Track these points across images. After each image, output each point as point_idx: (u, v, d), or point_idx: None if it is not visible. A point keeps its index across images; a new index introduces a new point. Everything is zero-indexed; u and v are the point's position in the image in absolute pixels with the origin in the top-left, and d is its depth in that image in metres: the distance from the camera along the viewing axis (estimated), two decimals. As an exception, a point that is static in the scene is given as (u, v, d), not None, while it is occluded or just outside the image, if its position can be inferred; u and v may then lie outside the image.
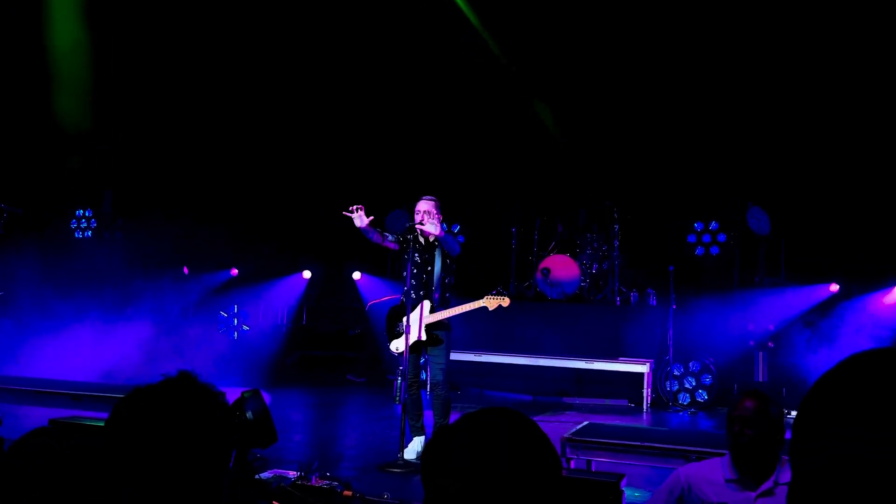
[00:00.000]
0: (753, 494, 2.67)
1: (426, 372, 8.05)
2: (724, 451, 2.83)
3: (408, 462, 5.04)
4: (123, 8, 8.98)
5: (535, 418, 1.27)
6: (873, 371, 0.87)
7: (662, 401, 8.04)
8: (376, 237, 5.31)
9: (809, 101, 8.97)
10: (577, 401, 8.34)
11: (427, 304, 5.27)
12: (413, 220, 5.35)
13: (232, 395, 1.61)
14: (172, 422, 1.27)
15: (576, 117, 10.31)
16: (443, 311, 5.27)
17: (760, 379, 8.11)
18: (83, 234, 11.35)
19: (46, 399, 6.02)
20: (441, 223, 5.31)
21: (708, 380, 7.98)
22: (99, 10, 8.85)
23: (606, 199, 9.61)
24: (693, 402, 7.96)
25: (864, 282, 8.39)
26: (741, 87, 9.27)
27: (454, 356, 5.89)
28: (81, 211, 11.41)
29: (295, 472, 4.08)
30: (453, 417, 5.28)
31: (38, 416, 5.11)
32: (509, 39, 9.67)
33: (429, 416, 5.47)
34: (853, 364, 0.90)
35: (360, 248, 10.14)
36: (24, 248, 9.32)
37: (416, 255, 5.35)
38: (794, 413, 6.56)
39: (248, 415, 2.47)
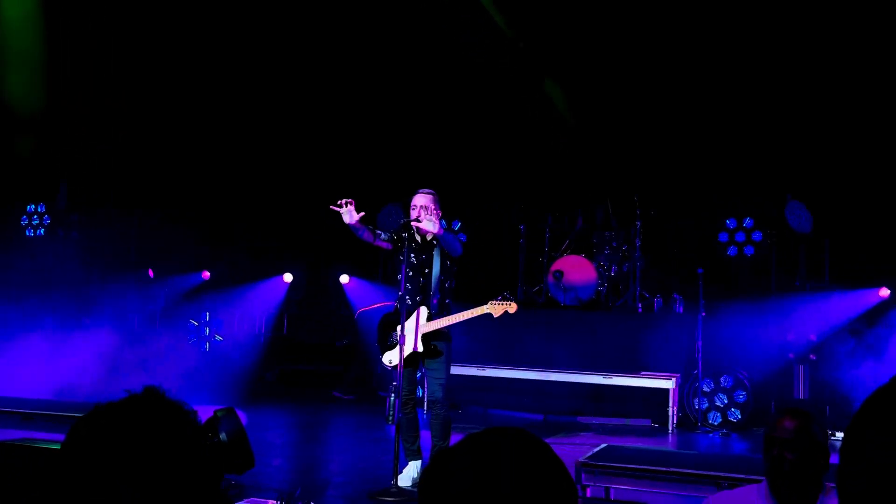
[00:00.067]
0: (794, 526, 2.66)
1: (423, 388, 8.04)
2: (760, 478, 2.82)
3: (402, 490, 5.04)
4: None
5: (546, 440, 1.27)
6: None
7: (690, 420, 8.04)
8: (367, 235, 5.31)
9: (855, 84, 8.98)
10: (594, 421, 8.34)
11: (424, 310, 5.27)
12: (408, 216, 5.35)
13: (204, 413, 1.61)
14: (138, 444, 1.27)
15: (591, 100, 10.33)
16: (442, 319, 5.27)
17: (801, 396, 8.11)
18: (35, 232, 11.35)
19: (-8, 419, 6.02)
20: (440, 220, 5.32)
21: (742, 397, 7.99)
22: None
23: (626, 192, 9.62)
24: (725, 422, 7.96)
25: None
26: (779, 65, 9.28)
27: (455, 370, 5.88)
28: (33, 206, 11.40)
29: (275, 502, 4.08)
30: (454, 439, 5.28)
31: (-17, 438, 5.10)
32: (518, 11, 9.68)
33: (426, 438, 5.47)
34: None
35: (349, 248, 10.16)
36: (-33, 247, 9.32)
37: (412, 255, 5.35)
38: (839, 434, 6.56)
39: (222, 436, 2.47)
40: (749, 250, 10.01)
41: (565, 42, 9.95)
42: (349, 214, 5.18)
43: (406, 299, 5.26)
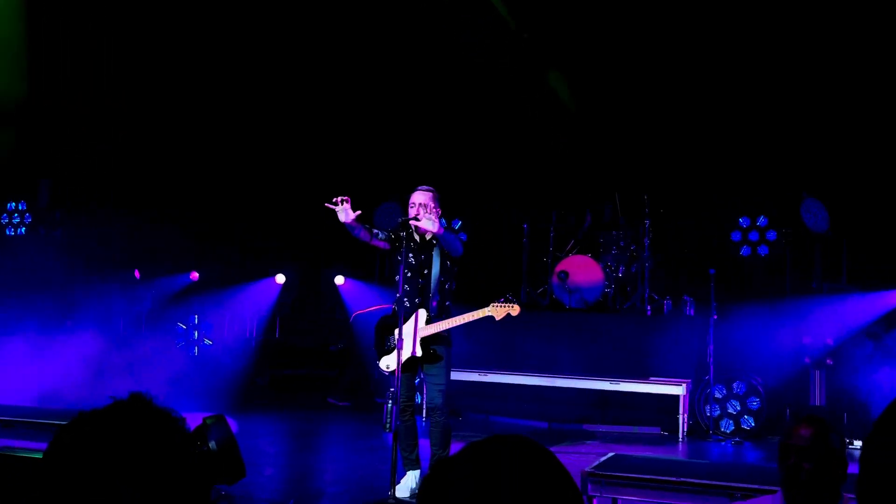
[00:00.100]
0: (810, 539, 2.66)
1: (422, 394, 8.04)
2: (775, 489, 2.82)
3: (400, 500, 5.04)
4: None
5: (550, 449, 1.27)
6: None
7: (701, 428, 8.04)
8: (363, 234, 5.31)
9: (873, 77, 8.98)
10: (601, 428, 8.35)
11: (423, 313, 5.27)
12: (407, 214, 5.35)
13: (192, 421, 1.61)
14: (124, 453, 1.26)
15: (597, 93, 10.33)
16: (442, 322, 5.27)
17: (817, 402, 8.11)
18: (15, 231, 11.35)
19: (-29, 426, 6.01)
20: (440, 218, 5.31)
21: (755, 403, 7.99)
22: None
23: (635, 189, 9.62)
24: (738, 430, 7.96)
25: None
26: (794, 56, 9.28)
27: (455, 375, 5.88)
28: (14, 203, 11.41)
29: (267, 513, 4.07)
30: (454, 448, 5.28)
31: (-39, 446, 5.10)
32: (522, 1, 9.69)
33: (425, 447, 5.47)
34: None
35: (344, 248, 10.16)
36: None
37: (411, 255, 5.35)
38: (858, 442, 6.56)
39: (212, 444, 2.47)
40: (763, 250, 10.00)
41: (571, 33, 9.96)
42: (345, 213, 5.18)
43: (404, 301, 5.26)
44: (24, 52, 9.06)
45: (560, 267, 9.24)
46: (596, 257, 9.30)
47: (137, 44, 9.68)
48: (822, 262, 9.56)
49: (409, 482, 5.29)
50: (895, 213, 9.09)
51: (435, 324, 5.26)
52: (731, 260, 9.88)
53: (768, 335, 8.36)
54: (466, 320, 5.27)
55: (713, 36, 9.41)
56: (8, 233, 11.35)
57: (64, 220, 11.07)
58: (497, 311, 5.24)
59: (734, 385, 8.05)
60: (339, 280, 10.77)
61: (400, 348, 5.04)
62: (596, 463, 4.71)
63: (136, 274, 10.38)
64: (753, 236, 10.10)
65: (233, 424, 2.71)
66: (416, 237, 5.39)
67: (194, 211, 10.89)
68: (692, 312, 8.85)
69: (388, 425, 7.43)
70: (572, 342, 8.87)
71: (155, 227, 10.40)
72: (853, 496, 2.57)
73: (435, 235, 5.30)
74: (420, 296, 5.32)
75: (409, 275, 5.32)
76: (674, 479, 4.35)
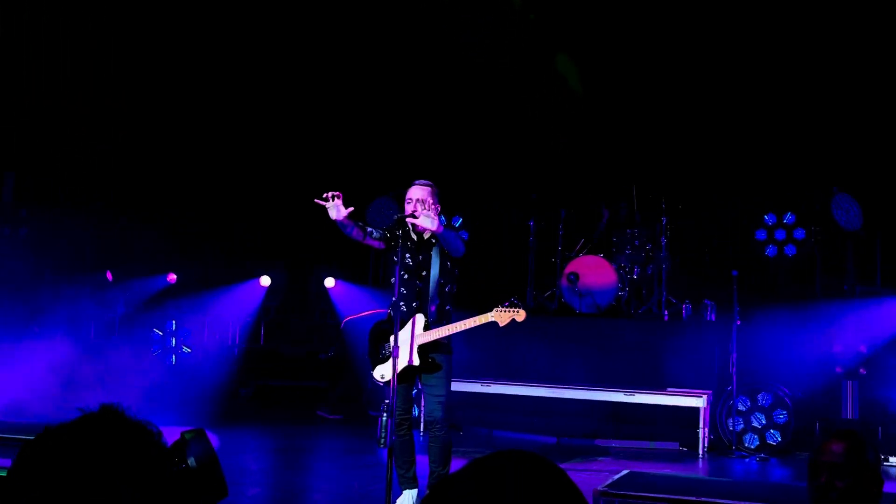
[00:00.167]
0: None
1: (419, 407, 8.03)
2: (804, 509, 2.82)
3: (396, 523, 5.04)
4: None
5: (559, 466, 1.26)
6: None
7: (723, 444, 8.04)
8: (356, 233, 5.31)
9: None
10: (614, 444, 8.35)
11: (421, 318, 5.27)
12: (403, 211, 5.35)
13: (169, 436, 1.60)
14: (94, 471, 1.26)
15: (609, 79, 10.32)
16: (441, 328, 5.27)
17: (849, 416, 8.10)
18: (-23, 230, 11.32)
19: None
20: (439, 215, 5.31)
21: (782, 417, 7.99)
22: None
23: (651, 184, 9.62)
24: (763, 446, 7.96)
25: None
26: (823, 42, 9.28)
27: (455, 386, 5.88)
28: (-25, 199, 11.38)
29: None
30: (455, 465, 5.28)
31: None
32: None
33: (423, 464, 5.47)
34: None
35: (335, 247, 10.17)
36: None
37: (408, 255, 5.35)
38: (893, 459, 6.56)
39: (191, 461, 2.46)
40: (790, 250, 10.00)
41: (581, 12, 9.97)
42: (336, 209, 5.18)
43: (400, 305, 5.26)
44: None
45: (570, 268, 9.23)
46: (609, 258, 9.30)
47: (106, 36, 9.69)
48: (855, 262, 9.56)
49: (405, 502, 5.29)
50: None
51: (434, 330, 5.26)
52: (755, 260, 9.87)
53: (796, 342, 8.35)
54: (468, 326, 5.27)
55: (738, 15, 9.42)
56: (-32, 231, 11.34)
57: (30, 217, 11.06)
58: (501, 316, 5.24)
59: (759, 397, 8.05)
60: (330, 282, 10.76)
61: (396, 357, 5.04)
62: (609, 481, 4.71)
63: (109, 275, 10.37)
64: (780, 235, 10.09)
65: (214, 439, 2.71)
66: (414, 236, 5.39)
67: (172, 207, 10.89)
68: (713, 318, 8.85)
69: (382, 440, 7.41)
70: (583, 350, 8.86)
71: (129, 225, 10.40)
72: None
73: (434, 234, 5.30)
74: (418, 299, 5.31)
75: (405, 276, 5.32)
76: (693, 498, 4.35)
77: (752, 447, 7.96)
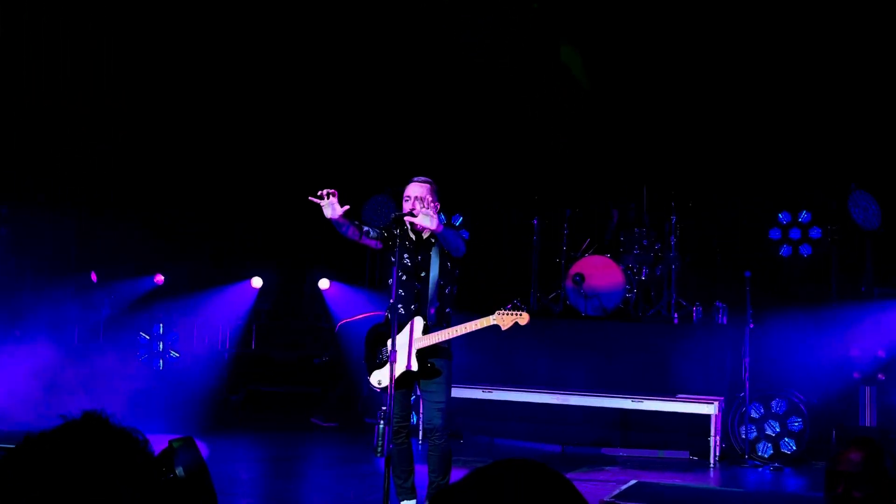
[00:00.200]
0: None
1: (418, 414, 8.02)
2: (820, 521, 2.81)
3: (393, 535, 5.04)
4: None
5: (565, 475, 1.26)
6: None
7: (736, 452, 8.04)
8: (352, 232, 5.31)
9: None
10: (622, 452, 8.35)
11: (420, 321, 5.27)
12: (401, 208, 5.34)
13: (157, 444, 1.60)
14: (77, 481, 1.26)
15: (616, 70, 10.32)
16: (441, 332, 5.27)
17: (867, 423, 8.10)
18: (-45, 229, 11.31)
19: None
20: (438, 213, 5.31)
21: (797, 424, 7.99)
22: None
23: (660, 180, 9.62)
24: (777, 455, 7.96)
25: None
26: (838, 31, 9.27)
27: (456, 392, 5.87)
28: (-47, 197, 11.38)
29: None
30: (455, 475, 5.27)
31: None
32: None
33: (422, 474, 5.46)
34: None
35: (330, 247, 10.16)
36: None
37: (406, 256, 5.35)
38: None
39: (179, 471, 2.46)
40: (805, 249, 10.00)
41: (588, 4, 9.97)
42: (331, 207, 5.18)
43: (398, 308, 5.25)
44: None
45: (575, 269, 9.23)
46: (616, 258, 9.30)
47: (91, 30, 9.70)
48: (873, 262, 9.56)
49: (403, 514, 5.29)
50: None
51: (433, 334, 5.25)
52: (769, 261, 9.87)
53: (812, 346, 8.35)
54: (469, 330, 5.27)
55: (751, 5, 9.42)
56: (-54, 230, 11.33)
57: (11, 216, 11.05)
58: (503, 319, 5.24)
59: (773, 403, 8.05)
60: (324, 284, 10.76)
61: (393, 361, 5.03)
62: (616, 492, 4.72)
63: (93, 277, 10.36)
64: (795, 234, 10.09)
65: (203, 448, 2.71)
66: (412, 235, 5.39)
67: (159, 205, 10.87)
68: (725, 320, 8.86)
69: (379, 449, 7.41)
70: (589, 355, 8.86)
71: (114, 224, 10.38)
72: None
73: (433, 233, 5.29)
74: (416, 302, 5.31)
75: (403, 278, 5.32)
76: (705, 510, 4.34)
77: (766, 456, 7.96)
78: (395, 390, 5.10)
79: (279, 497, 6.81)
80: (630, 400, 8.29)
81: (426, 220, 5.16)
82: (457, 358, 5.48)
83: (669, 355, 8.64)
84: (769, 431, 8.03)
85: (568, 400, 8.46)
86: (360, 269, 10.91)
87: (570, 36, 10.40)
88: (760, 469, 7.79)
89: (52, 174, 10.66)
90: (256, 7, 10.19)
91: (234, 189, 11.16)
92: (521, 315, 5.24)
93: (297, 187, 5.53)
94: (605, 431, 8.57)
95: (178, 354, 10.35)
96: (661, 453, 8.29)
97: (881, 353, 8.39)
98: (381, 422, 7.03)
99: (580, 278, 9.13)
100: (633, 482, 5.08)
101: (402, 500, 5.36)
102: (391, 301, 5.24)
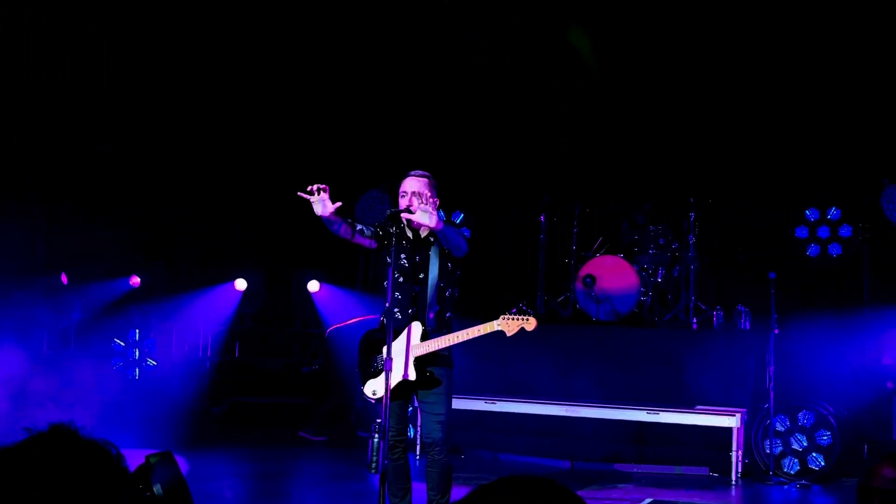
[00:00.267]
0: None
1: (415, 427, 8.02)
2: (853, 543, 2.81)
3: (389, 558, 5.03)
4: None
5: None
6: None
7: (760, 469, 8.04)
8: (344, 230, 5.30)
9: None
10: (636, 469, 8.35)
11: (418, 327, 5.26)
12: (397, 205, 5.34)
13: (133, 460, 1.59)
14: (44, 499, 1.25)
15: (630, 57, 10.32)
16: (441, 338, 5.26)
17: (902, 437, 8.12)
18: (-85, 227, 11.32)
19: None
20: (438, 210, 5.31)
21: (826, 438, 7.99)
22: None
23: (678, 175, 9.62)
24: (804, 471, 7.96)
25: None
26: (876, 13, 9.27)
27: (456, 404, 5.87)
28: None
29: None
30: (456, 493, 5.27)
31: None
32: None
33: (419, 491, 5.46)
34: None
35: (320, 247, 10.16)
36: None
37: (403, 256, 5.34)
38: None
39: (157, 489, 2.46)
40: (835, 249, 10.00)
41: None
42: (322, 204, 5.17)
43: (395, 312, 5.25)
44: None
45: (585, 270, 9.24)
46: (630, 258, 9.30)
47: (71, 25, 9.74)
48: (908, 263, 9.58)
49: (399, 535, 5.29)
50: None
51: (432, 340, 5.25)
52: (795, 261, 9.88)
53: (842, 354, 8.36)
54: (471, 336, 5.26)
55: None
56: None
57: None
58: (508, 324, 5.23)
59: (800, 415, 8.05)
60: (314, 286, 10.76)
61: (389, 370, 5.03)
62: (630, 511, 4.72)
63: (63, 278, 10.37)
64: (823, 232, 10.10)
65: (182, 464, 2.70)
66: (409, 233, 5.38)
67: (135, 201, 10.87)
68: (748, 326, 8.87)
69: (374, 465, 7.42)
70: (600, 363, 8.87)
71: (86, 221, 10.38)
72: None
73: (433, 231, 5.29)
74: (414, 305, 5.31)
75: (400, 280, 5.31)
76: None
77: (792, 473, 7.96)
78: (390, 401, 5.09)
79: (265, 517, 6.81)
80: (645, 412, 8.29)
81: (424, 217, 5.15)
82: (458, 366, 5.47)
83: (688, 363, 8.65)
84: (796, 446, 8.03)
85: (578, 412, 8.46)
86: (353, 270, 10.92)
87: (583, 21, 10.42)
88: (786, 487, 7.79)
89: (17, 169, 10.66)
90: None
91: (216, 184, 11.15)
92: (527, 320, 5.24)
93: (285, 182, 5.53)
94: (618, 446, 8.58)
95: (155, 363, 10.35)
96: (679, 469, 8.30)
97: (917, 362, 8.41)
98: (376, 435, 7.02)
99: (591, 280, 9.13)
100: (648, 501, 5.08)
101: (399, 520, 5.35)
102: (387, 305, 5.24)
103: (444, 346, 5.26)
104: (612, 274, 9.16)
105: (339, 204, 5.21)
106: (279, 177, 10.06)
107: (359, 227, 5.36)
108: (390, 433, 5.18)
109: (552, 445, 8.72)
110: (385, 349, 5.10)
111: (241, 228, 11.38)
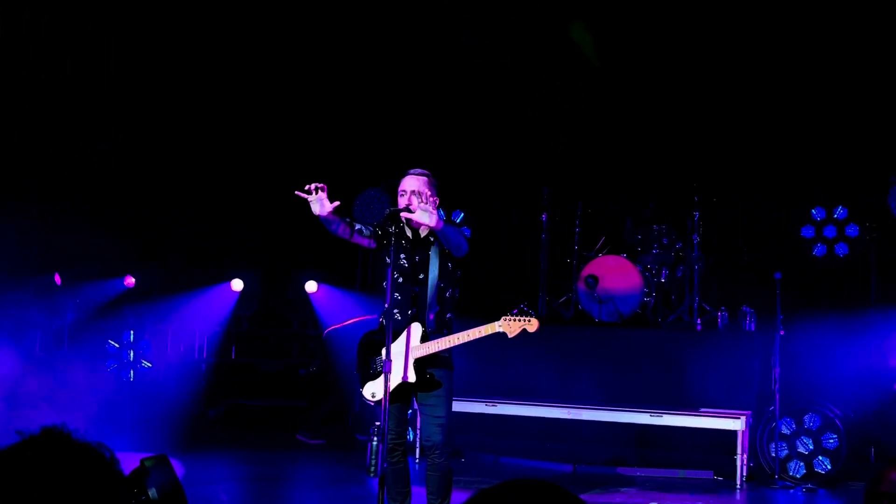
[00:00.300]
0: None
1: (415, 430, 8.01)
2: (860, 548, 2.81)
3: (388, 563, 5.03)
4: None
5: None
6: None
7: (765, 472, 8.04)
8: (342, 230, 5.30)
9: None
10: (639, 472, 8.35)
11: (418, 328, 5.26)
12: (396, 204, 5.34)
13: (128, 463, 1.59)
14: (38, 502, 1.25)
15: (632, 52, 10.32)
16: (441, 340, 5.26)
17: (910, 440, 8.12)
18: None
19: None
20: (438, 209, 5.30)
21: (833, 441, 7.99)
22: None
23: (681, 173, 9.62)
24: (810, 475, 7.96)
25: None
26: (882, 10, 9.27)
27: (457, 406, 5.87)
28: None
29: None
30: (456, 498, 5.26)
31: None
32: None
33: (419, 496, 5.46)
34: None
35: (318, 247, 10.15)
36: None
37: (402, 256, 5.34)
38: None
39: (152, 492, 2.46)
40: (841, 249, 10.00)
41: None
42: (320, 203, 5.17)
43: (394, 313, 5.25)
44: None
45: (588, 270, 9.23)
46: (633, 258, 9.30)
47: (63, 24, 9.75)
48: (917, 264, 9.59)
49: (399, 540, 5.28)
50: None
51: (433, 341, 5.25)
52: (801, 261, 9.88)
53: (848, 356, 8.36)
54: (472, 337, 5.26)
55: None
56: None
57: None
58: (510, 325, 5.23)
59: (806, 418, 8.05)
60: (311, 287, 10.75)
61: (388, 372, 5.03)
62: (634, 516, 4.72)
63: (57, 279, 10.37)
64: (829, 232, 10.09)
65: (178, 467, 2.70)
66: (409, 233, 5.38)
67: (130, 200, 10.86)
68: (753, 327, 8.86)
69: (372, 469, 7.43)
70: (603, 364, 8.87)
71: (80, 221, 10.38)
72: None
73: (432, 231, 5.29)
74: (414, 306, 5.31)
75: (400, 280, 5.31)
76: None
77: (798, 476, 7.96)
78: (390, 404, 5.09)
79: (262, 521, 6.81)
80: (648, 414, 8.29)
81: (424, 216, 5.15)
82: (458, 368, 5.47)
83: (691, 365, 8.64)
84: (801, 449, 8.03)
85: (580, 414, 8.46)
86: (352, 271, 10.91)
87: (584, 16, 10.43)
88: (792, 490, 7.79)
89: (9, 168, 10.65)
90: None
91: (212, 183, 11.14)
92: (529, 321, 5.23)
93: (283, 181, 5.52)
94: (620, 449, 8.58)
95: (150, 364, 10.35)
96: (683, 473, 8.30)
97: (924, 363, 8.41)
98: (375, 438, 7.02)
99: (593, 280, 9.12)
100: (651, 505, 5.09)
101: (398, 524, 5.35)
102: (386, 305, 5.24)
103: (444, 347, 5.25)
104: (615, 274, 9.16)
105: (337, 203, 5.21)
106: (276, 175, 10.06)
107: (357, 226, 5.36)
108: (389, 436, 5.18)
109: (554, 449, 8.72)
110: (384, 351, 5.10)
111: (237, 228, 11.37)
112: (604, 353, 8.96)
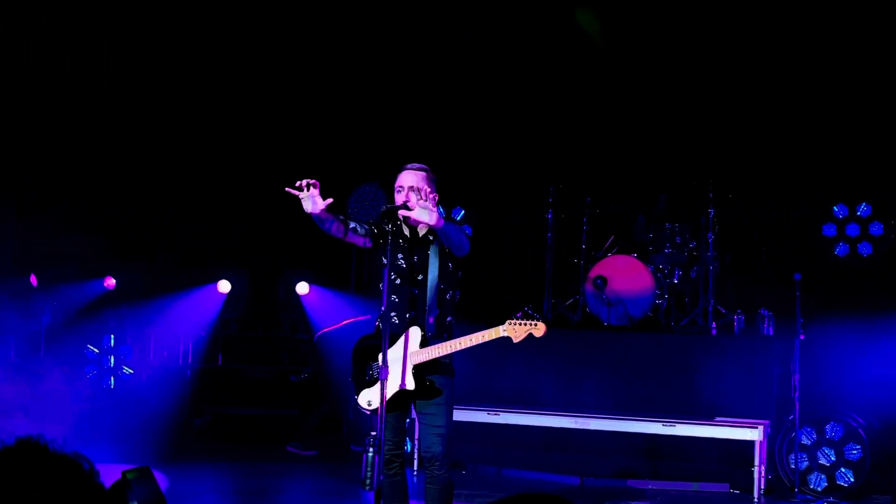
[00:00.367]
0: None
1: (413, 440, 8.00)
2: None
3: (385, 582, 5.03)
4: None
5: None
6: None
7: (784, 485, 8.05)
8: (336, 228, 5.29)
9: None
10: (651, 485, 8.35)
11: (416, 332, 5.26)
12: (393, 200, 5.33)
13: (108, 475, 1.58)
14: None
15: (644, 38, 10.32)
16: (442, 344, 5.25)
17: (938, 451, 8.11)
18: None
19: None
20: (437, 206, 5.30)
21: (856, 452, 7.99)
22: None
23: (695, 168, 9.62)
24: (833, 488, 7.96)
25: None
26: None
27: (458, 415, 5.87)
28: None
29: None
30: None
31: None
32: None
33: (418, 510, 5.46)
34: None
35: (310, 246, 10.15)
36: None
37: (400, 255, 5.34)
38: None
39: (134, 507, 2.45)
40: (865, 248, 10.00)
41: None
42: (312, 200, 5.15)
43: (392, 317, 5.24)
44: None
45: (596, 271, 9.23)
46: (644, 258, 9.30)
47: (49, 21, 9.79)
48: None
49: (396, 557, 5.28)
50: None
51: (433, 346, 5.24)
52: (822, 262, 9.89)
53: (872, 361, 8.36)
54: (475, 342, 5.25)
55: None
56: None
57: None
58: (515, 330, 5.22)
59: (827, 428, 8.05)
60: (303, 288, 10.75)
61: (385, 379, 5.02)
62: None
63: (33, 280, 10.37)
64: (852, 230, 10.10)
65: (161, 480, 2.70)
66: (407, 231, 5.37)
67: (109, 198, 10.86)
68: (771, 331, 8.87)
69: (368, 481, 7.41)
70: (612, 371, 8.87)
71: (57, 219, 10.38)
72: None
73: (432, 229, 5.28)
74: (412, 309, 5.30)
75: (397, 281, 5.30)
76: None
77: (819, 489, 7.96)
78: (386, 413, 5.08)
79: (251, 537, 6.82)
80: (660, 424, 8.29)
81: (423, 213, 5.14)
82: (459, 374, 5.46)
83: (706, 372, 8.64)
84: (823, 460, 8.03)
85: (588, 423, 8.45)
86: (346, 271, 10.92)
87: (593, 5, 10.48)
88: (813, 504, 7.80)
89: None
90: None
91: (197, 180, 11.14)
92: (536, 325, 5.22)
93: (273, 176, 5.53)
94: (630, 460, 8.58)
95: (131, 371, 10.35)
96: (697, 486, 8.30)
97: (953, 370, 8.41)
98: (371, 449, 7.01)
99: (602, 282, 9.12)
100: (664, 520, 5.09)
101: (395, 540, 5.35)
102: (383, 308, 5.22)
103: (445, 352, 5.25)
104: (625, 275, 9.16)
105: (330, 200, 5.20)
106: (266, 170, 10.07)
107: (352, 224, 5.35)
108: (386, 447, 5.17)
109: (560, 460, 8.72)
110: (381, 356, 5.09)
111: (224, 227, 11.35)
112: (613, 359, 8.96)
